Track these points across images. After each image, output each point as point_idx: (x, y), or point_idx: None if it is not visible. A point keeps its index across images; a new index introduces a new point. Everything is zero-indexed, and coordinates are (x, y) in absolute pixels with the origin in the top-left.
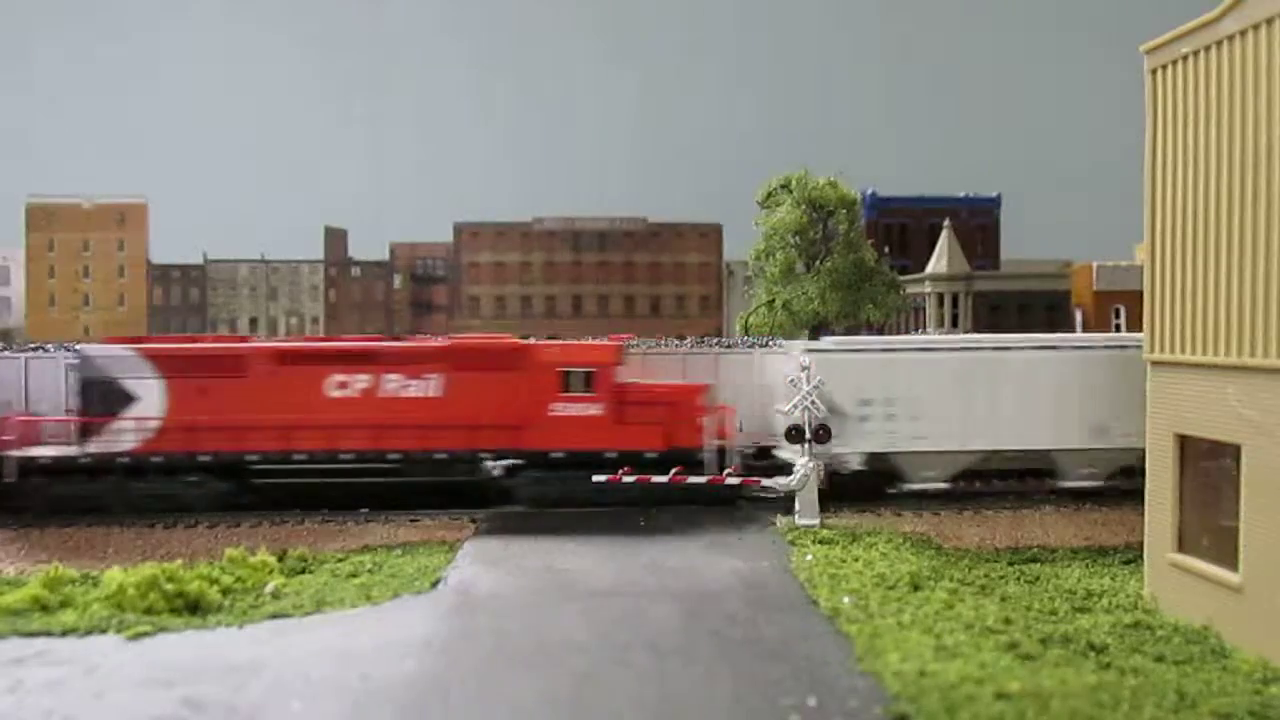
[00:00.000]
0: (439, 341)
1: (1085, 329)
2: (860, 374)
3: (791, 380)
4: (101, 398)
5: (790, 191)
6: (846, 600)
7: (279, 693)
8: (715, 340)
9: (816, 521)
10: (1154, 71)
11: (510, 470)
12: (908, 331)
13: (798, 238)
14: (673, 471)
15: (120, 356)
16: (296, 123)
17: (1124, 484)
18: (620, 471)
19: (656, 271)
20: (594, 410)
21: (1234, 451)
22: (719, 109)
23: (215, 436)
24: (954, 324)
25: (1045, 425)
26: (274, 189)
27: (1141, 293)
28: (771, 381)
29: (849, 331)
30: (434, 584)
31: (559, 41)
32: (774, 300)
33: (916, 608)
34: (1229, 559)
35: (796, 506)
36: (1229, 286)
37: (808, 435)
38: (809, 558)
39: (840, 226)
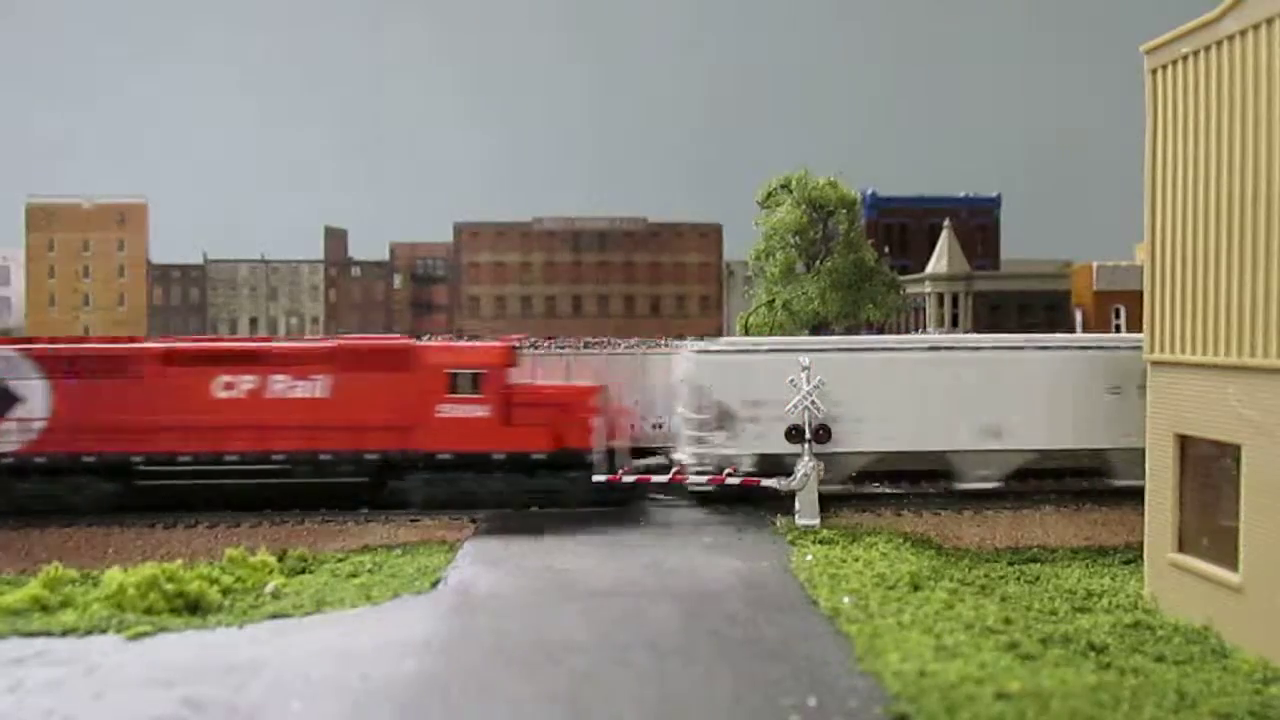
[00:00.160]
0: (326, 342)
1: (1085, 329)
2: (749, 375)
3: (791, 380)
4: None
5: (790, 191)
6: (846, 600)
7: (279, 693)
8: (609, 341)
9: (816, 521)
10: (1154, 71)
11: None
12: (908, 331)
13: (798, 238)
14: (673, 471)
15: (6, 358)
16: (296, 123)
17: (1017, 486)
18: (620, 471)
19: (656, 271)
20: (481, 412)
21: (1234, 451)
22: (719, 109)
23: (100, 438)
24: (954, 324)
25: (939, 427)
26: (274, 189)
27: (1141, 293)
28: (667, 382)
29: (849, 331)
30: (434, 584)
31: (559, 41)
32: (774, 300)
33: (916, 608)
34: (1229, 559)
35: (796, 506)
36: (1229, 286)
37: (808, 435)
38: (809, 558)
39: (840, 226)
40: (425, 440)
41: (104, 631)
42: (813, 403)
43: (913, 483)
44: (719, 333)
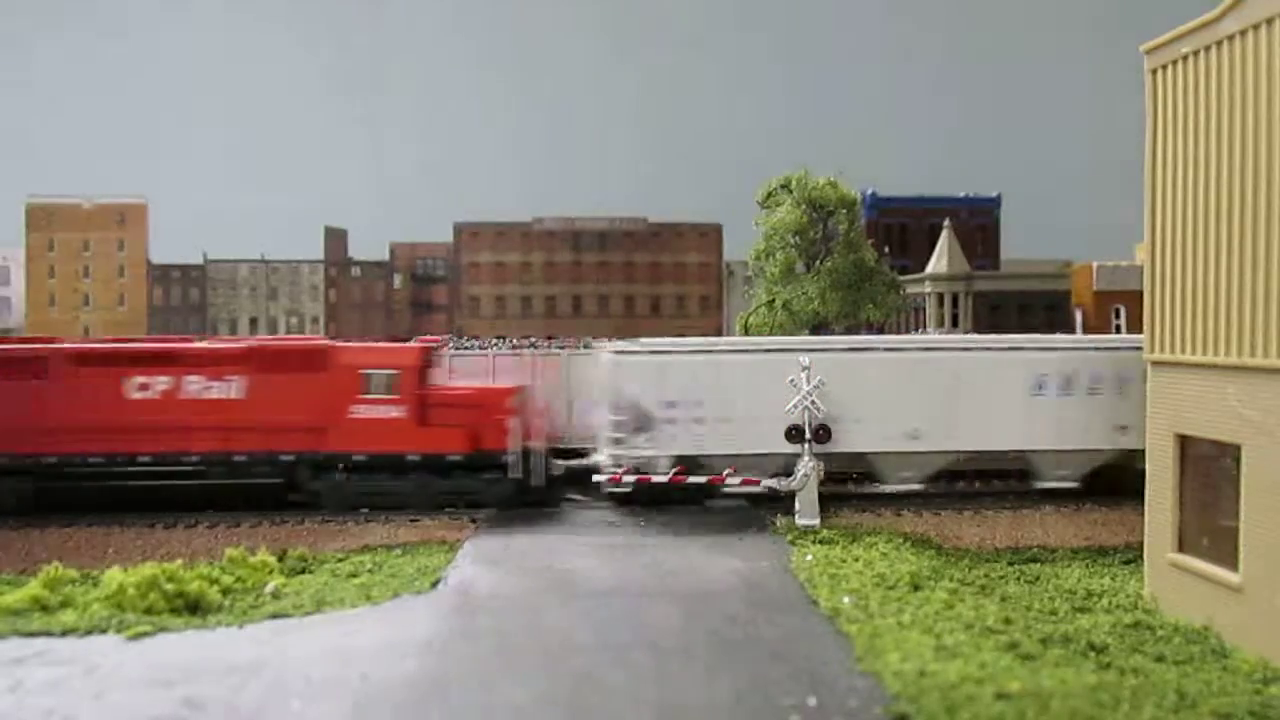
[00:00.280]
0: (241, 343)
1: (1085, 329)
2: (665, 376)
3: (791, 380)
4: None
5: (790, 191)
6: (846, 600)
7: (279, 693)
8: (530, 341)
9: (816, 521)
10: (1154, 71)
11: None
12: (907, 331)
13: (798, 238)
14: (673, 471)
15: None
16: (296, 122)
17: (934, 488)
18: (620, 471)
19: (656, 271)
20: (395, 413)
21: (1234, 451)
22: (719, 109)
23: (11, 438)
24: (954, 324)
25: (859, 428)
26: (274, 189)
27: (1141, 293)
28: (583, 383)
29: (849, 331)
30: (434, 584)
31: (559, 41)
32: (774, 300)
33: (916, 608)
34: (1229, 559)
35: (796, 506)
36: (1229, 287)
37: (808, 435)
38: (809, 558)
39: (840, 226)
40: (339, 441)
41: (104, 631)
42: (813, 403)
43: (839, 483)
44: (719, 332)
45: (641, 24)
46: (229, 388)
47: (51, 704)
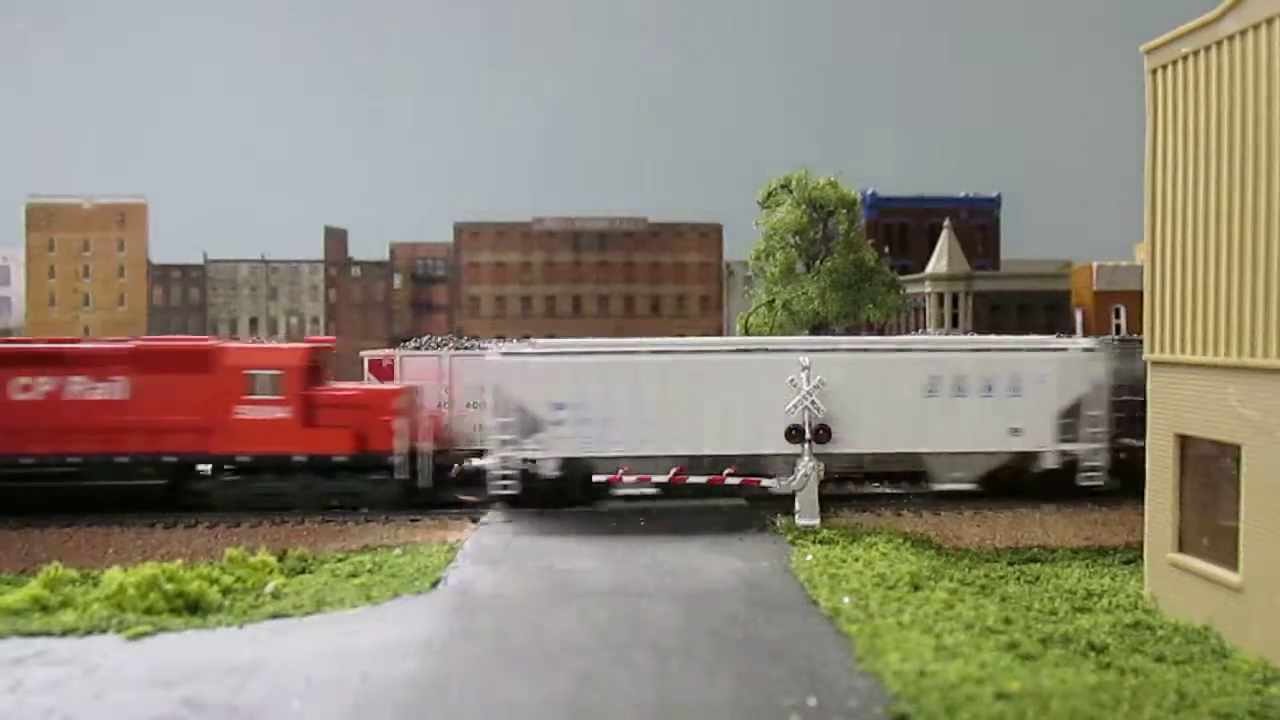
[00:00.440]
0: (126, 343)
1: (1086, 329)
2: (552, 378)
3: (791, 380)
4: None
5: (790, 191)
6: (846, 600)
7: (279, 693)
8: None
9: (816, 521)
10: (1154, 71)
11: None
12: (908, 331)
13: (798, 238)
14: (673, 471)
15: None
16: (296, 122)
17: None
18: (620, 471)
19: (656, 271)
20: (280, 413)
21: (1234, 451)
22: (719, 109)
23: None
24: (954, 324)
25: (743, 430)
26: (274, 189)
27: (1141, 293)
28: (468, 385)
29: (849, 331)
30: (434, 584)
31: (560, 41)
32: (774, 300)
33: (916, 608)
34: (1229, 559)
35: (797, 506)
36: (1229, 286)
37: (807, 435)
38: (809, 558)
39: (840, 226)
40: (224, 442)
41: (104, 631)
42: (813, 403)
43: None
44: (719, 332)
45: (642, 24)
46: (113, 388)
47: (51, 704)
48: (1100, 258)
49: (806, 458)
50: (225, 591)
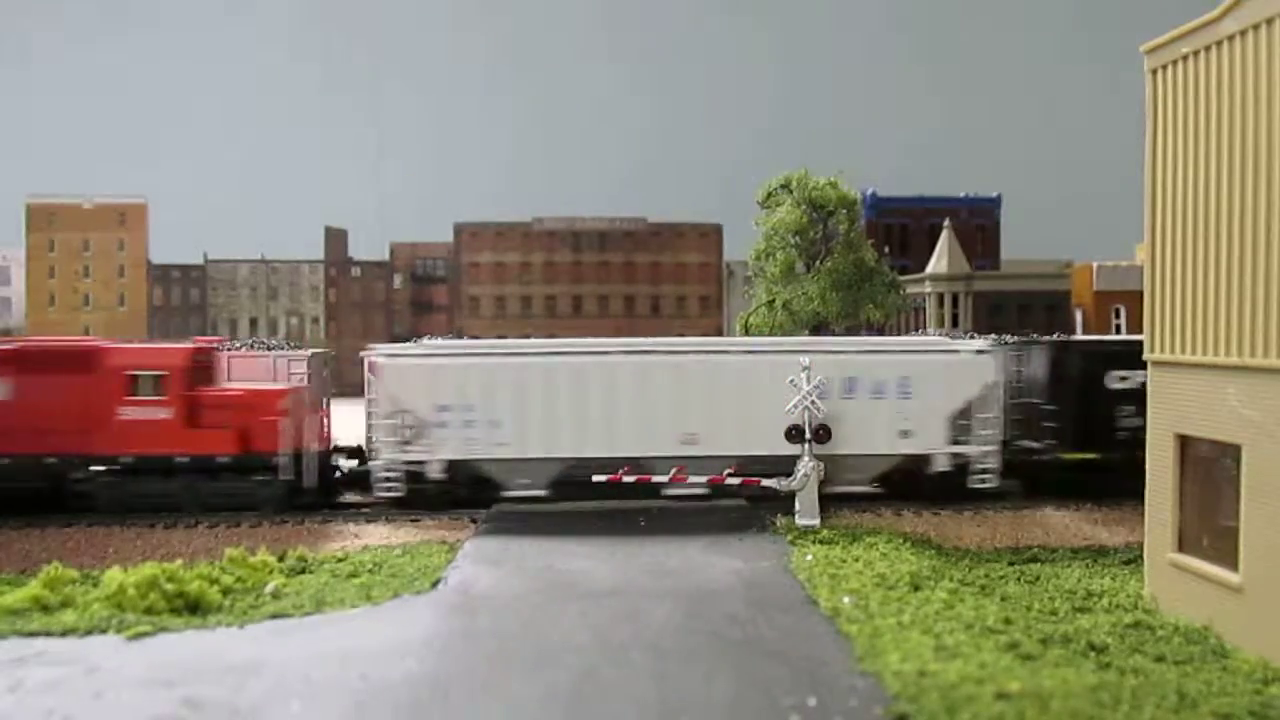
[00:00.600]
0: (8, 344)
1: (1086, 329)
2: (437, 380)
3: (791, 380)
4: None
5: (790, 191)
6: (846, 600)
7: (279, 693)
8: (272, 342)
9: (816, 521)
10: (1154, 72)
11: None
12: (908, 332)
13: (798, 238)
14: (673, 471)
15: None
16: (296, 122)
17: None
18: (620, 471)
19: (656, 271)
20: (163, 414)
21: (1234, 451)
22: (719, 109)
23: None
24: (954, 324)
25: (634, 433)
26: (274, 189)
27: (1141, 293)
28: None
29: (849, 331)
30: (434, 584)
31: (560, 40)
32: (774, 300)
33: (916, 608)
34: (1229, 559)
35: (797, 506)
36: (1229, 287)
37: (807, 435)
38: (809, 558)
39: (840, 226)
40: (106, 443)
41: (104, 631)
42: (813, 403)
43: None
44: (719, 332)
45: (642, 24)
46: None
47: (51, 704)
48: (1100, 258)
49: (806, 458)
50: (225, 591)
